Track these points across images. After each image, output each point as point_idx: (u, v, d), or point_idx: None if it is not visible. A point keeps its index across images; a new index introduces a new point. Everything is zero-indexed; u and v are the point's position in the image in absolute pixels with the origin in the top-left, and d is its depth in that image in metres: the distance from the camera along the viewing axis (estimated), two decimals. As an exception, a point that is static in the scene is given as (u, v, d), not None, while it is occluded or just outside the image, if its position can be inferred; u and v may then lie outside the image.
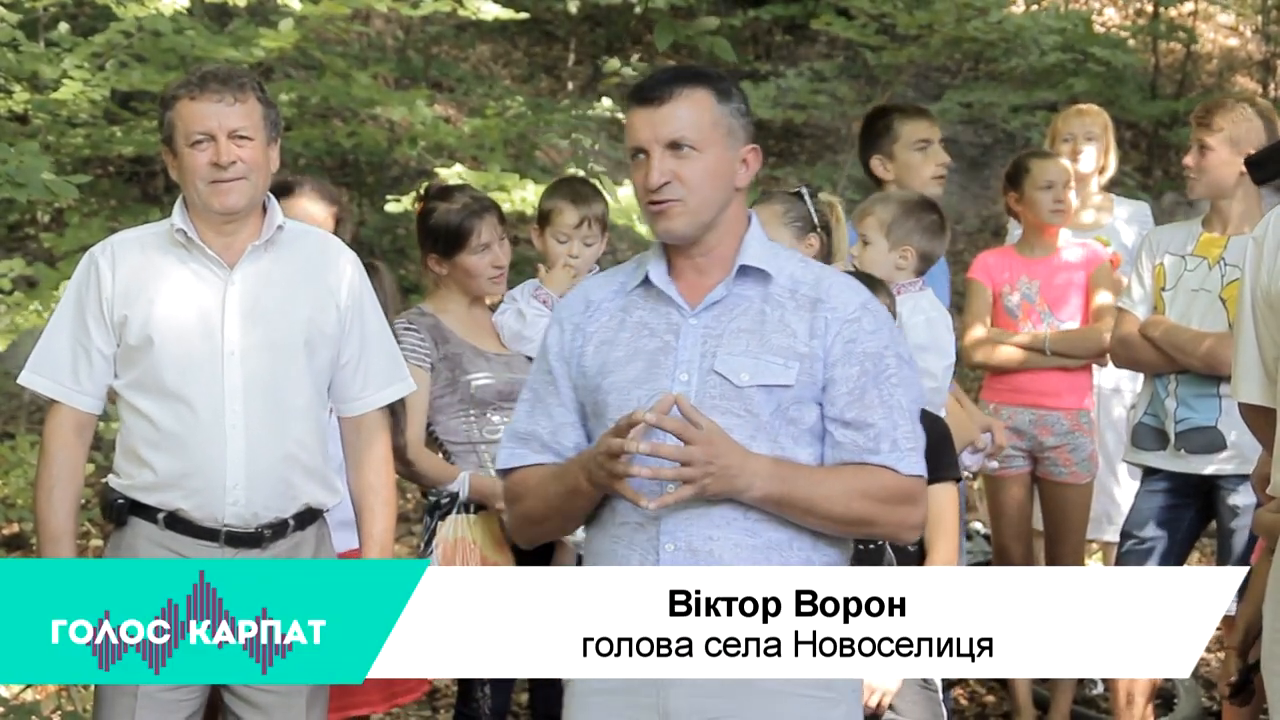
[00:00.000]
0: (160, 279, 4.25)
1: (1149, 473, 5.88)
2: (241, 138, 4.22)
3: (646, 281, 3.51)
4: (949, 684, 5.29)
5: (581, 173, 9.42)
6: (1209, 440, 5.67)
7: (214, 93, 4.21)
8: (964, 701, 6.98)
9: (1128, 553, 5.83)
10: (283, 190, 5.21)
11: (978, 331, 6.39)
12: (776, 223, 4.85)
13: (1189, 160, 5.78)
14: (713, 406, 3.37)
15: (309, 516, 4.32)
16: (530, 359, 5.21)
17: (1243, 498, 5.56)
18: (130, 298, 4.23)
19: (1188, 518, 5.81)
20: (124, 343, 4.23)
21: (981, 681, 7.09)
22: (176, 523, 4.21)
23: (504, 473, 3.60)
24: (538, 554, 5.20)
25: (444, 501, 5.07)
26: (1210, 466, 5.69)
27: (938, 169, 5.89)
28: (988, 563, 6.53)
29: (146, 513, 4.23)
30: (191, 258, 4.26)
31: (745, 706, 3.38)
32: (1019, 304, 6.39)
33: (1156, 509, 5.79)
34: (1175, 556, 5.83)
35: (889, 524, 3.49)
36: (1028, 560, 6.47)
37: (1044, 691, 6.52)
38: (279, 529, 4.26)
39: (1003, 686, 6.69)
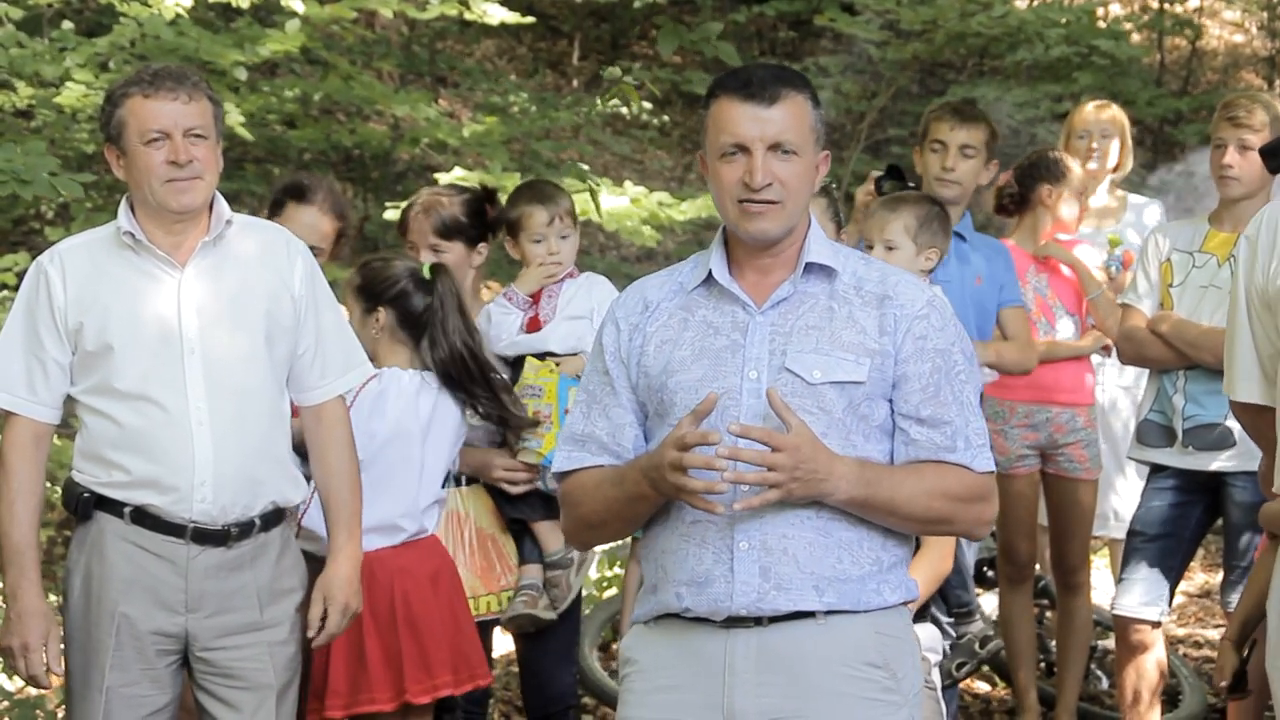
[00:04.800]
0: (113, 283, 4.22)
1: (1155, 470, 5.86)
2: (196, 136, 4.19)
3: (707, 281, 3.50)
4: (953, 680, 5.28)
5: (586, 167, 9.42)
6: (1218, 437, 5.66)
7: (169, 91, 4.17)
8: (969, 698, 6.98)
9: (1135, 550, 5.82)
10: (297, 194, 5.18)
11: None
12: (823, 217, 5.03)
13: (1230, 159, 5.66)
14: None
15: (275, 518, 4.32)
16: (501, 358, 5.22)
17: (1250, 495, 5.54)
18: (84, 305, 4.20)
19: (1195, 514, 5.79)
20: (81, 350, 4.20)
21: (987, 678, 7.09)
22: (144, 518, 4.19)
23: (561, 476, 3.58)
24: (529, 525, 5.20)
25: None
26: (1218, 463, 5.68)
27: (941, 172, 5.96)
28: (992, 559, 6.52)
29: (113, 507, 4.21)
30: (141, 259, 4.24)
31: (810, 707, 3.39)
32: (1033, 299, 6.38)
33: (1164, 506, 5.78)
34: (1182, 554, 5.82)
35: (965, 522, 3.55)
36: (1032, 557, 6.46)
37: (1049, 688, 6.51)
38: (245, 528, 4.25)
39: (1008, 683, 6.68)
